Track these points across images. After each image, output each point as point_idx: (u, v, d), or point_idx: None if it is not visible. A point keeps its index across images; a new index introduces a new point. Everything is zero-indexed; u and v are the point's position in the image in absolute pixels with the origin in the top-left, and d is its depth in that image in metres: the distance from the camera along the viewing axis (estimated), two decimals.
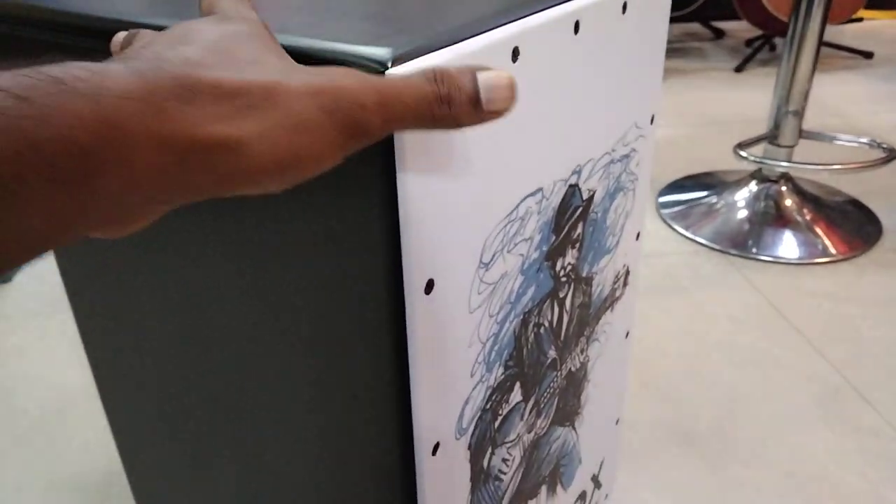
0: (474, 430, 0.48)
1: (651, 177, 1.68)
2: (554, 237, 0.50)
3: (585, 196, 0.53)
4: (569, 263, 0.54)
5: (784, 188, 1.48)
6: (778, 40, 2.72)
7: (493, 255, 0.43)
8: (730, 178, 1.60)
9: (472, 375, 0.46)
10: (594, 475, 0.74)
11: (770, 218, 1.44)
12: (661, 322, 1.18)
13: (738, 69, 2.48)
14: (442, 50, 0.34)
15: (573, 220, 0.52)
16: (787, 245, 1.38)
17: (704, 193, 1.57)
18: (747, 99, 2.23)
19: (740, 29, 2.99)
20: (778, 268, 1.33)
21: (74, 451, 0.95)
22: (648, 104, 0.60)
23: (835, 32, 2.85)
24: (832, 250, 1.36)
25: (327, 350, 0.43)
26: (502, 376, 0.49)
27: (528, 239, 0.47)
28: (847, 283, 1.27)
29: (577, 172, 0.51)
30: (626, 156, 0.59)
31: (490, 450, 0.51)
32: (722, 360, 1.09)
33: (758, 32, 2.71)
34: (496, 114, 0.30)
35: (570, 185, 0.50)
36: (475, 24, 0.38)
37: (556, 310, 0.55)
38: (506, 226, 0.44)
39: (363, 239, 0.37)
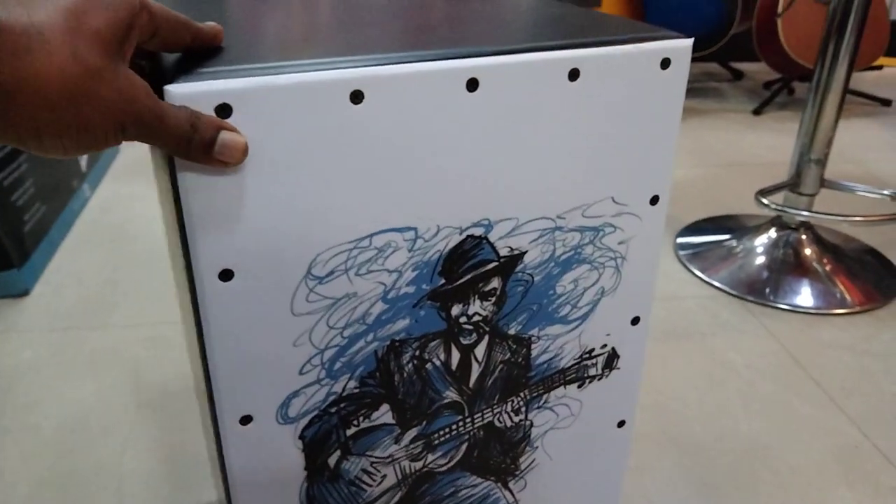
0: (309, 424, 0.55)
1: (668, 216, 1.68)
2: (443, 280, 0.54)
3: (504, 252, 0.55)
4: (475, 313, 0.56)
5: (804, 236, 1.47)
6: (797, 84, 2.74)
7: (332, 273, 0.49)
8: (749, 222, 1.60)
9: (301, 373, 0.52)
10: None
11: (789, 266, 1.44)
12: (678, 367, 1.17)
13: (757, 112, 2.49)
14: (241, 79, 0.41)
15: (480, 271, 0.55)
16: (805, 294, 1.37)
17: (723, 237, 1.56)
18: (766, 142, 2.23)
19: (759, 71, 3.00)
20: (796, 317, 1.32)
21: (87, 468, 0.94)
22: (643, 183, 0.57)
23: (854, 79, 2.86)
24: (850, 301, 1.36)
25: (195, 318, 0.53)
26: (356, 390, 0.55)
27: (395, 272, 0.51)
28: (866, 336, 1.26)
29: (484, 226, 0.53)
30: (595, 229, 0.58)
31: (339, 453, 0.57)
32: (740, 409, 1.08)
33: (776, 75, 2.72)
34: (223, 163, 0.41)
35: (471, 236, 0.53)
36: (322, 63, 0.43)
37: (457, 354, 0.58)
38: (351, 250, 0.49)
39: (181, 225, 0.45)
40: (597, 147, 0.54)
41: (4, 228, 1.30)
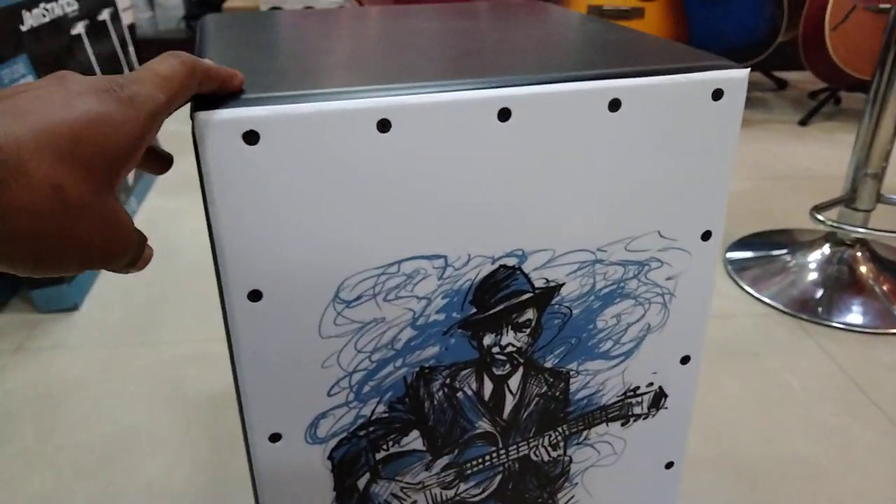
0: (338, 446, 0.55)
1: None
2: (474, 310, 0.53)
3: (539, 284, 0.54)
4: (509, 344, 0.56)
5: (859, 254, 1.43)
6: (843, 94, 2.68)
7: (360, 297, 0.50)
8: (801, 237, 1.56)
9: (330, 394, 0.53)
10: None
11: (843, 284, 1.40)
12: (733, 390, 1.14)
13: (803, 122, 2.43)
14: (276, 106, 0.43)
15: (514, 302, 0.54)
16: (860, 313, 1.33)
17: (775, 253, 1.53)
18: (813, 154, 2.18)
19: (803, 80, 2.94)
20: (851, 336, 1.28)
21: (139, 486, 0.94)
22: (693, 218, 0.55)
23: None
24: None
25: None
26: (385, 414, 0.55)
27: (424, 299, 0.51)
28: None
29: (518, 256, 0.52)
30: (640, 263, 0.55)
31: (368, 476, 0.58)
32: (799, 433, 1.04)
33: (821, 85, 2.67)
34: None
35: (503, 266, 0.52)
36: (350, 91, 0.44)
37: (490, 384, 0.57)
38: (379, 276, 0.49)
39: (213, 245, 0.47)
40: (641, 180, 0.51)
41: None
